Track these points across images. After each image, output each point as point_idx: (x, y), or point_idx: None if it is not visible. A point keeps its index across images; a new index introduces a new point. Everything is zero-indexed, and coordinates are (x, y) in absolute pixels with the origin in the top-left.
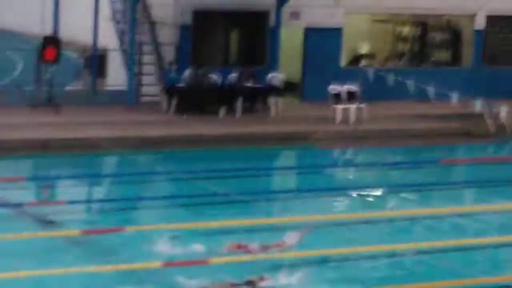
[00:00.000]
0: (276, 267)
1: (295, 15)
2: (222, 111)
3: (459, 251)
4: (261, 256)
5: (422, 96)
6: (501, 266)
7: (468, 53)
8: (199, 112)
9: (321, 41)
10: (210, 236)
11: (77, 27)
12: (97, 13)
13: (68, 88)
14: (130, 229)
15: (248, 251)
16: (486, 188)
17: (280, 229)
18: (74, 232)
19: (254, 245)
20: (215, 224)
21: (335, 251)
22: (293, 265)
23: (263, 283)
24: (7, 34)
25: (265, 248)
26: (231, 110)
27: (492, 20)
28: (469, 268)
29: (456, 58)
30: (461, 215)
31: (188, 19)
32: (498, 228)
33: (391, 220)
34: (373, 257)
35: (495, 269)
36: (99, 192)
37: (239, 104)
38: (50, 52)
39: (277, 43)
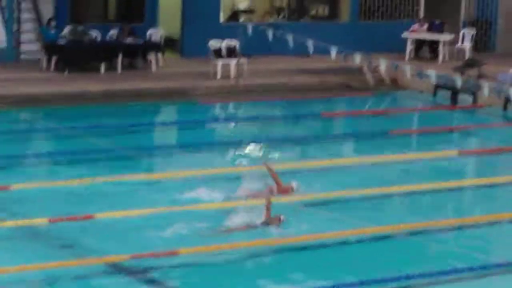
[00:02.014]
0: None
1: None
2: (103, 68)
3: (341, 202)
4: None
5: (301, 51)
6: (382, 217)
7: (345, 8)
8: (80, 69)
9: None
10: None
11: None
12: None
13: None
14: (16, 188)
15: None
16: (365, 140)
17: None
18: None
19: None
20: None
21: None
22: None
23: (278, 225)
24: None
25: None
26: (111, 67)
27: None
28: (352, 217)
29: (334, 13)
30: (342, 167)
31: None
32: (377, 179)
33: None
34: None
35: (376, 220)
36: None
37: (119, 60)
38: None
39: None
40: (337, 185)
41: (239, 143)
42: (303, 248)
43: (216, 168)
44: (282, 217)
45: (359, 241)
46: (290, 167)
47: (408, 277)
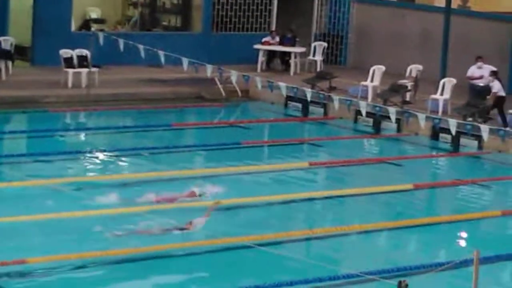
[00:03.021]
0: None
1: None
2: None
3: (193, 211)
4: None
5: (153, 61)
6: (232, 228)
7: (198, 19)
8: None
9: (51, 5)
10: None
11: None
12: None
13: None
14: None
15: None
16: (216, 151)
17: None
18: None
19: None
20: None
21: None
22: None
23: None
24: None
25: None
26: None
27: None
28: (203, 228)
29: (186, 23)
30: (193, 178)
31: None
32: (230, 190)
33: (124, 184)
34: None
35: (226, 231)
36: None
37: None
38: None
39: (7, 7)
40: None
41: (89, 152)
42: (149, 258)
43: (67, 177)
44: (193, 221)
45: (210, 251)
46: (140, 176)
47: None
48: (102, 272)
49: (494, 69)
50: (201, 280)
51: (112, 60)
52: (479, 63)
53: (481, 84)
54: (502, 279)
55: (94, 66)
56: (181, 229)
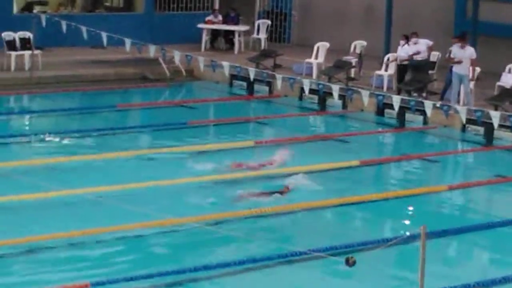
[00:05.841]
0: None
1: None
2: None
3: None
4: None
5: (96, 42)
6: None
7: None
8: None
9: None
10: None
11: None
12: None
13: None
14: None
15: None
16: (162, 131)
17: None
18: None
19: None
20: None
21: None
22: None
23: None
24: None
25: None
26: None
27: None
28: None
29: (129, 4)
30: (140, 159)
31: None
32: (180, 170)
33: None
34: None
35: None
36: None
37: None
38: None
39: None
40: (137, 177)
41: (35, 136)
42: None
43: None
44: (290, 186)
45: (158, 233)
46: (87, 159)
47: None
48: None
49: (430, 43)
50: (147, 260)
51: (55, 42)
52: (414, 39)
53: (419, 59)
54: (448, 254)
55: (37, 48)
56: (280, 192)
